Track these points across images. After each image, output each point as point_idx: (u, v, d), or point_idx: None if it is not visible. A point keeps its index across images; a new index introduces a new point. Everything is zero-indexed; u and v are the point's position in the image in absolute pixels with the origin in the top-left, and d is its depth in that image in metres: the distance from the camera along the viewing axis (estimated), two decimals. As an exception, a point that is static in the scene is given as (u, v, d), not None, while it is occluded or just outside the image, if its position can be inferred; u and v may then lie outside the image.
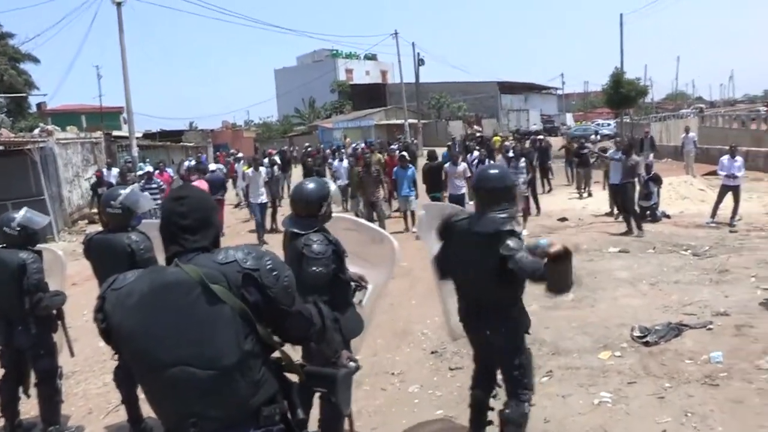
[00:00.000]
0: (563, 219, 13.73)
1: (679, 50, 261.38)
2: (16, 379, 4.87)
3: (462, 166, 13.20)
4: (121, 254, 4.23)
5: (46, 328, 4.73)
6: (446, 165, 13.35)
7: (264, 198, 13.81)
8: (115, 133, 27.43)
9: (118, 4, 21.82)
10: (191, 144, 35.67)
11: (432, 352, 6.17)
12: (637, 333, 6.05)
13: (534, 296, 7.68)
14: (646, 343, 5.83)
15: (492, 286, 3.64)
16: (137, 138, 27.30)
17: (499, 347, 3.84)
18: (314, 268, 3.53)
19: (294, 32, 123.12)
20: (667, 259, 9.34)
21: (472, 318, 3.90)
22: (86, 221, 17.85)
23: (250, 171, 14.81)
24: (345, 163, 17.27)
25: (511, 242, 3.46)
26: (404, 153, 15.46)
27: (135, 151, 23.49)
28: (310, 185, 3.84)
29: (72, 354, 5.15)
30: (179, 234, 2.13)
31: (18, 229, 4.58)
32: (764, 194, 16.12)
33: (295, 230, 3.71)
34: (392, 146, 22.32)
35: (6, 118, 25.56)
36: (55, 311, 4.77)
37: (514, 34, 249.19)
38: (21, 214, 4.65)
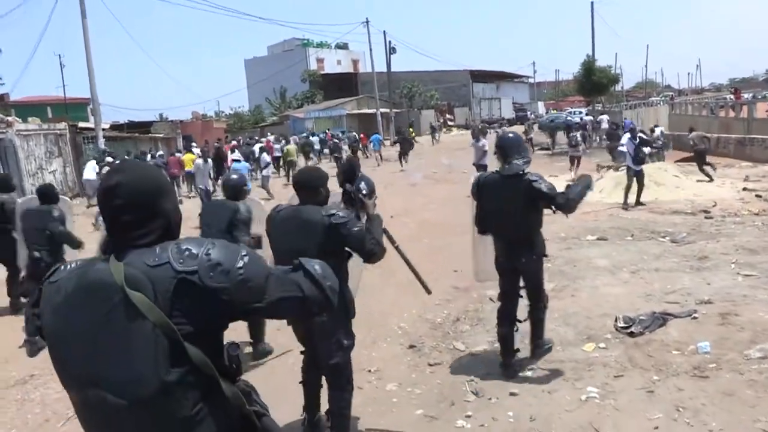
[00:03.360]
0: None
1: (649, 39, 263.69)
2: None
3: (482, 141, 16.72)
4: None
5: None
6: (472, 141, 17.44)
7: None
8: (82, 124, 26.67)
9: (81, -9, 21.16)
10: (160, 135, 34.91)
11: (410, 347, 5.93)
12: (621, 323, 5.86)
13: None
14: (631, 334, 5.65)
15: (520, 220, 4.85)
16: (104, 129, 26.65)
17: (529, 270, 5.07)
18: (355, 228, 3.64)
19: (264, 20, 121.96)
20: (645, 246, 9.21)
21: (508, 253, 5.02)
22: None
23: (199, 161, 16.46)
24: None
25: (544, 187, 4.77)
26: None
27: (101, 142, 22.87)
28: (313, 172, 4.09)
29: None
30: (119, 230, 1.73)
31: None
32: (737, 180, 16.13)
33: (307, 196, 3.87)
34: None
35: (-35, 109, 24.72)
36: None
37: (486, 23, 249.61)
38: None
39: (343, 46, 76.81)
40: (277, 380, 5.15)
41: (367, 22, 46.77)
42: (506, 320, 5.17)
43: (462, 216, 13.15)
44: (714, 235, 9.66)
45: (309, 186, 3.84)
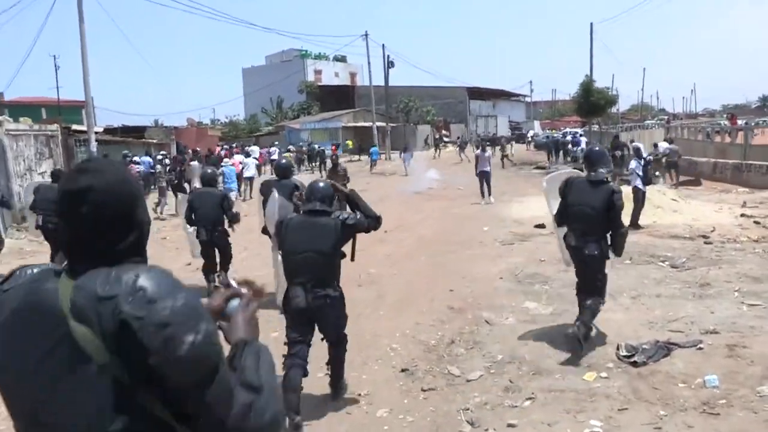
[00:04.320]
0: (540, 225, 13.32)
1: (645, 62, 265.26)
2: None
3: (488, 152, 19.69)
4: None
5: None
6: (477, 151, 20.03)
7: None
8: (75, 127, 26.34)
9: (78, -7, 20.91)
10: (154, 141, 34.64)
11: (402, 370, 5.64)
12: (623, 352, 5.60)
13: (511, 309, 7.32)
14: (634, 363, 5.40)
15: (596, 219, 5.78)
16: (97, 133, 26.31)
17: (593, 263, 5.88)
18: (357, 220, 4.80)
19: (263, 29, 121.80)
20: (645, 271, 8.98)
21: (580, 243, 5.87)
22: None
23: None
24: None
25: (618, 203, 5.80)
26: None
27: (93, 146, 22.53)
28: (321, 184, 5.08)
29: None
30: (83, 245, 1.43)
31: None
32: (734, 206, 15.95)
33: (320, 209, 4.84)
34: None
35: (-44, 107, 24.36)
36: None
37: (485, 41, 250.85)
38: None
39: (341, 59, 76.86)
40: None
41: (366, 35, 46.70)
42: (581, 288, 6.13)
43: (457, 233, 13.04)
44: (715, 261, 9.43)
45: (329, 198, 4.97)
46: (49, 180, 10.56)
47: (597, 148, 6.45)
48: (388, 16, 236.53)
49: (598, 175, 5.91)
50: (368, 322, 7.04)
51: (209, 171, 9.63)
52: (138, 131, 38.11)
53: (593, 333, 5.90)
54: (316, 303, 4.66)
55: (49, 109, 44.32)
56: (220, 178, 16.06)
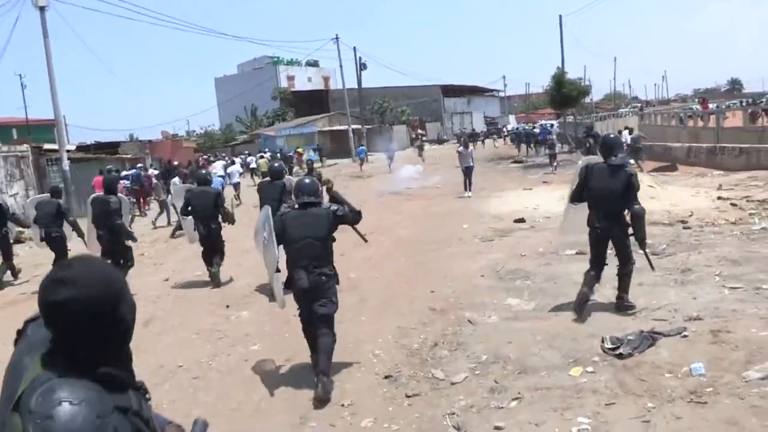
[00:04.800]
0: (520, 220, 13.28)
1: (616, 52, 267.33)
2: None
3: (471, 148, 20.94)
4: None
5: None
6: (460, 148, 20.84)
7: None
8: (47, 146, 25.95)
9: (41, 8, 20.57)
10: (128, 156, 34.26)
11: (385, 377, 5.53)
12: (608, 345, 5.53)
13: (493, 307, 7.24)
14: (620, 356, 5.32)
15: (617, 198, 6.39)
16: (69, 151, 25.93)
17: (618, 236, 6.53)
18: (345, 212, 5.66)
19: (234, 38, 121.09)
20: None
21: (603, 221, 6.52)
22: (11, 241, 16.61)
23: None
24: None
25: (636, 184, 6.42)
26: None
27: (66, 164, 22.19)
28: (307, 180, 5.97)
29: None
30: (61, 344, 1.45)
31: None
32: (711, 189, 16.04)
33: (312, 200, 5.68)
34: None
35: None
36: None
37: (456, 38, 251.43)
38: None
39: (313, 64, 76.67)
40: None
41: (337, 38, 46.59)
42: (591, 283, 6.62)
43: (437, 232, 12.95)
44: (694, 246, 9.43)
45: (315, 192, 5.80)
46: (47, 195, 11.89)
47: (612, 136, 7.29)
48: (358, 18, 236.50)
49: (617, 160, 6.58)
50: (350, 328, 6.91)
51: (203, 171, 11.79)
52: (112, 147, 37.71)
53: (629, 303, 6.64)
54: (316, 282, 5.46)
55: (19, 129, 43.69)
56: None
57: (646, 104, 77.10)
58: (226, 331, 7.42)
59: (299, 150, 37.29)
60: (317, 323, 5.50)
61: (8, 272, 11.59)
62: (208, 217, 9.80)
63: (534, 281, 8.22)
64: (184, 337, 7.24)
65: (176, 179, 18.27)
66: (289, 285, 5.65)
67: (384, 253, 10.84)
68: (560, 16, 42.16)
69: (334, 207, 5.66)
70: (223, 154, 39.33)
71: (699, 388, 4.55)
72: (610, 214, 6.48)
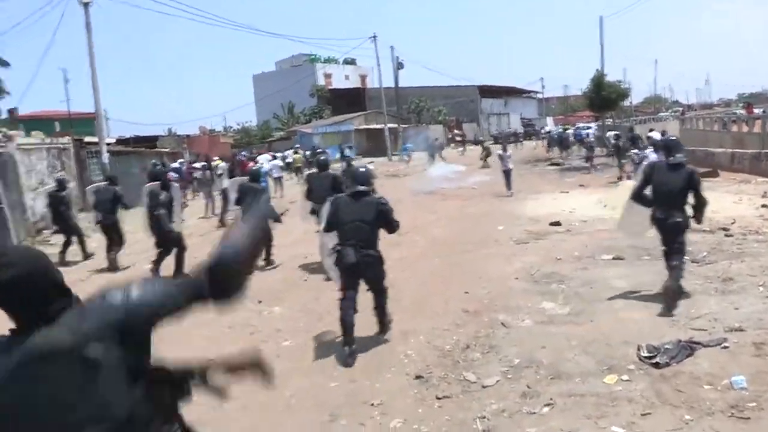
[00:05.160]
0: (556, 223, 13.12)
1: (657, 54, 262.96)
2: None
3: (509, 151, 21.28)
4: None
5: None
6: (499, 151, 21.52)
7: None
8: (87, 138, 26.43)
9: (86, 5, 20.95)
10: (166, 150, 34.77)
11: (416, 377, 5.48)
12: (644, 353, 5.40)
13: (527, 310, 7.14)
14: (656, 365, 5.19)
15: (677, 193, 6.93)
16: (109, 144, 26.37)
17: (677, 230, 6.99)
18: (389, 207, 6.39)
19: (272, 35, 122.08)
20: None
21: (665, 215, 6.98)
22: (51, 230, 16.94)
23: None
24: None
25: (699, 181, 7.05)
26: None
27: (105, 157, 22.58)
28: (362, 170, 7.13)
29: None
30: (25, 311, 1.81)
31: None
32: (754, 196, 15.62)
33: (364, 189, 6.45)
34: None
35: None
36: None
37: (494, 38, 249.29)
38: None
39: (351, 62, 76.83)
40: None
41: (375, 37, 46.59)
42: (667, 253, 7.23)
43: (472, 233, 12.85)
44: (737, 254, 9.18)
45: (367, 181, 6.64)
46: (105, 182, 13.24)
47: (673, 137, 7.90)
48: (396, 17, 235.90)
49: (677, 159, 7.11)
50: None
51: (254, 168, 13.59)
52: (150, 141, 38.26)
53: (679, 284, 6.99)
54: (363, 260, 6.13)
55: (62, 122, 44.58)
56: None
57: (687, 108, 75.73)
58: (258, 326, 7.44)
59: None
60: (375, 296, 6.53)
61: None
62: None
63: (569, 285, 8.09)
64: (216, 331, 7.26)
65: (222, 165, 20.17)
66: (338, 262, 6.29)
67: (418, 253, 10.79)
68: (600, 17, 41.61)
69: (383, 199, 6.47)
70: (255, 151, 39.59)
71: (741, 402, 4.40)
72: (671, 207, 6.97)
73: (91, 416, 1.72)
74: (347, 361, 5.94)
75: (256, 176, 11.91)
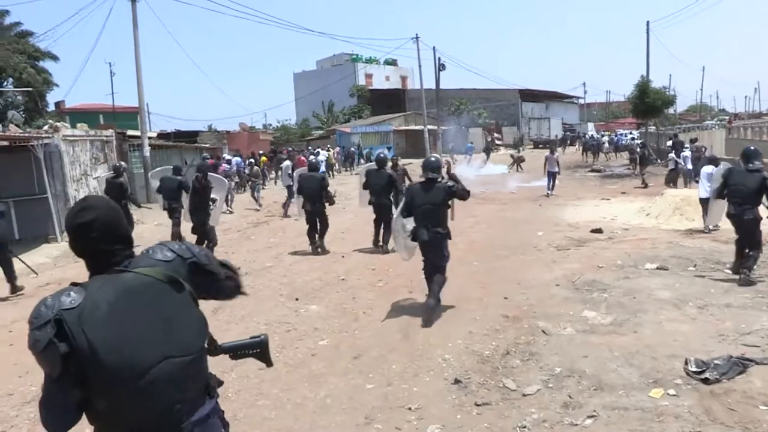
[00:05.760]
0: (597, 230, 12.87)
1: (704, 61, 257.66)
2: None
3: (557, 153, 22.94)
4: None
5: None
6: (547, 153, 22.49)
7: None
8: (130, 132, 26.85)
9: (133, 0, 21.26)
10: (206, 145, 35.11)
11: (454, 382, 5.35)
12: (692, 367, 5.20)
13: (568, 318, 6.97)
14: (705, 381, 4.99)
15: (752, 194, 8.20)
16: (151, 138, 26.74)
17: (749, 224, 8.23)
18: (459, 187, 7.45)
19: (314, 33, 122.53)
20: (711, 278, 8.49)
21: (738, 211, 8.31)
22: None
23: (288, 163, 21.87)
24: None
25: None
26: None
27: (147, 150, 22.93)
28: (433, 158, 8.05)
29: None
30: (102, 253, 2.12)
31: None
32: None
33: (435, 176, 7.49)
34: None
35: (17, 113, 24.99)
36: None
37: (537, 42, 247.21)
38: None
39: (391, 62, 76.74)
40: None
41: (417, 38, 46.55)
42: (739, 254, 8.52)
43: (510, 238, 12.66)
44: (788, 268, 8.87)
45: (438, 169, 7.57)
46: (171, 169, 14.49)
47: (753, 148, 8.85)
48: (438, 19, 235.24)
49: (754, 166, 8.38)
50: (420, 331, 6.79)
51: (314, 160, 14.99)
52: (190, 136, 38.66)
53: (750, 277, 8.07)
54: (432, 236, 7.31)
55: (106, 116, 45.34)
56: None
57: (734, 117, 73.93)
58: (294, 324, 7.39)
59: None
60: (433, 271, 7.46)
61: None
62: (314, 197, 11.76)
63: (612, 294, 7.88)
64: (252, 328, 7.24)
65: (288, 163, 21.84)
66: (414, 238, 7.54)
67: (457, 257, 10.60)
68: (647, 22, 40.94)
69: (450, 183, 7.47)
70: (292, 149, 39.97)
71: (798, 424, 4.20)
72: (745, 206, 8.24)
73: (182, 341, 2.08)
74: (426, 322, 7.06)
75: (315, 167, 13.10)
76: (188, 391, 2.08)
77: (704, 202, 12.19)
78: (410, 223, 7.66)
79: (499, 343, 6.30)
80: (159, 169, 16.66)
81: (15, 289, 9.99)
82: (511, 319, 7.06)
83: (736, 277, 8.40)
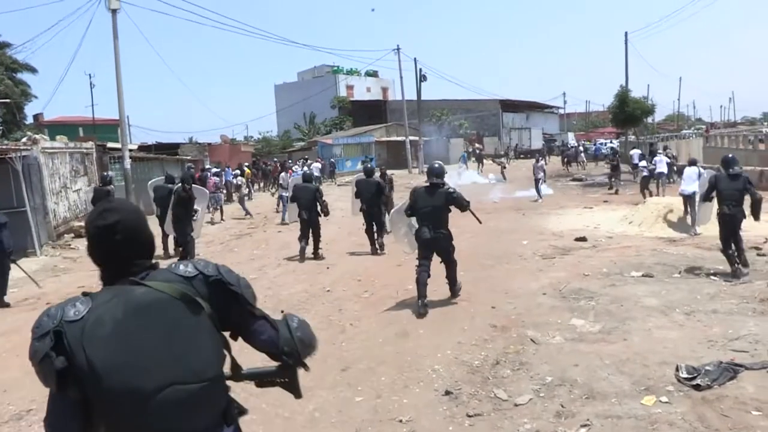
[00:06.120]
0: (582, 239, 12.89)
1: (681, 71, 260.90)
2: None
3: (541, 162, 24.40)
4: None
5: None
6: (534, 161, 25.11)
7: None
8: (110, 144, 26.60)
9: (113, 11, 21.11)
10: (187, 157, 34.85)
11: (445, 393, 5.28)
12: (683, 374, 5.18)
13: (557, 327, 6.93)
14: (697, 387, 4.96)
15: (738, 195, 9.06)
16: (131, 150, 26.49)
17: (741, 220, 9.20)
18: (458, 194, 8.23)
19: (295, 44, 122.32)
20: (697, 285, 8.50)
21: (732, 211, 9.10)
22: (72, 235, 16.97)
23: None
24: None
25: (752, 187, 9.23)
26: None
27: (127, 162, 22.70)
28: (436, 165, 8.51)
29: None
30: (123, 260, 1.96)
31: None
32: (784, 216, 15.27)
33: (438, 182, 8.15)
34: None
35: (-6, 126, 24.67)
36: None
37: (517, 53, 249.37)
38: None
39: (373, 74, 76.89)
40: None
41: (398, 49, 46.67)
42: (732, 257, 9.18)
43: (495, 247, 12.62)
44: (771, 274, 8.93)
45: (441, 175, 8.28)
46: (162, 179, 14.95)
47: (730, 155, 9.85)
48: (419, 30, 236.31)
49: (734, 171, 9.28)
50: (408, 341, 6.73)
51: (308, 171, 16.35)
52: (172, 148, 38.39)
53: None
54: (435, 236, 7.93)
55: (86, 128, 44.92)
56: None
57: (711, 126, 74.90)
58: (280, 337, 7.27)
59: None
60: (446, 267, 8.27)
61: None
62: (309, 206, 12.29)
63: (599, 302, 7.86)
64: (238, 342, 7.12)
65: (284, 174, 23.56)
66: (417, 238, 8.08)
67: (443, 266, 10.60)
68: (626, 32, 41.52)
69: (450, 189, 8.08)
70: (288, 160, 39.96)
71: (792, 429, 4.18)
72: (733, 205, 9.07)
73: (191, 368, 1.86)
74: (420, 311, 7.66)
75: (309, 178, 13.51)
76: (197, 420, 1.89)
77: (686, 198, 13.84)
78: (406, 222, 8.52)
79: (488, 353, 6.24)
80: (157, 179, 17.04)
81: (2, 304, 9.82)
82: (500, 328, 7.01)
83: (723, 283, 8.46)
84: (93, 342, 1.78)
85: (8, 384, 6.14)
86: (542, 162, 25.00)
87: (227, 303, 2.00)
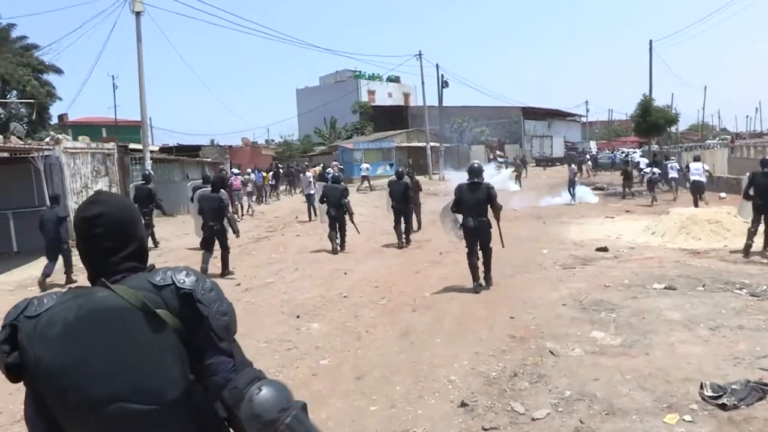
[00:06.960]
0: (603, 249, 12.70)
1: (706, 80, 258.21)
2: None
3: (573, 166, 27.63)
4: None
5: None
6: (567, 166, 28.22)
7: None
8: (132, 145, 26.76)
9: (137, 14, 21.25)
10: (208, 159, 35.00)
11: (461, 405, 5.16)
12: (708, 392, 5.01)
13: (577, 339, 6.78)
14: (723, 406, 4.79)
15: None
16: (153, 151, 26.64)
17: None
18: (496, 191, 9.60)
19: (317, 48, 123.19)
20: (722, 300, 8.28)
21: (763, 203, 11.15)
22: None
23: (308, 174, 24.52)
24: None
25: None
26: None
27: (149, 164, 22.79)
28: (476, 164, 9.89)
29: None
30: (101, 257, 1.81)
31: None
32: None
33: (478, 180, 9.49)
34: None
35: (19, 125, 24.90)
36: None
37: (540, 60, 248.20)
38: None
39: (394, 79, 76.98)
40: None
41: (420, 55, 46.55)
42: (751, 236, 11.28)
43: (515, 256, 12.46)
44: (800, 289, 8.68)
45: (480, 173, 9.58)
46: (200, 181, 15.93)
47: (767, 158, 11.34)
48: (441, 36, 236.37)
49: None
50: (424, 350, 6.61)
51: (337, 174, 18.68)
52: (193, 150, 38.58)
53: None
54: (478, 225, 9.27)
55: (109, 129, 45.39)
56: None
57: (736, 136, 73.89)
58: (295, 342, 7.21)
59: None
60: (483, 252, 9.49)
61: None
62: (336, 203, 13.90)
63: (620, 314, 7.69)
64: (252, 345, 7.05)
65: (308, 174, 25.06)
66: (462, 227, 9.38)
67: (460, 274, 10.45)
68: (650, 41, 40.98)
69: (490, 184, 9.51)
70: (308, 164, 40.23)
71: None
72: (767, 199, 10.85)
73: (142, 387, 1.69)
74: (476, 289, 9.28)
75: (337, 180, 15.63)
76: None
77: (696, 184, 18.91)
78: (461, 217, 9.52)
79: (506, 364, 6.11)
80: (195, 180, 17.69)
81: (69, 281, 11.47)
82: (518, 339, 6.87)
83: (750, 298, 8.25)
84: (41, 342, 1.68)
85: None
86: (574, 167, 27.68)
87: (195, 321, 1.75)
